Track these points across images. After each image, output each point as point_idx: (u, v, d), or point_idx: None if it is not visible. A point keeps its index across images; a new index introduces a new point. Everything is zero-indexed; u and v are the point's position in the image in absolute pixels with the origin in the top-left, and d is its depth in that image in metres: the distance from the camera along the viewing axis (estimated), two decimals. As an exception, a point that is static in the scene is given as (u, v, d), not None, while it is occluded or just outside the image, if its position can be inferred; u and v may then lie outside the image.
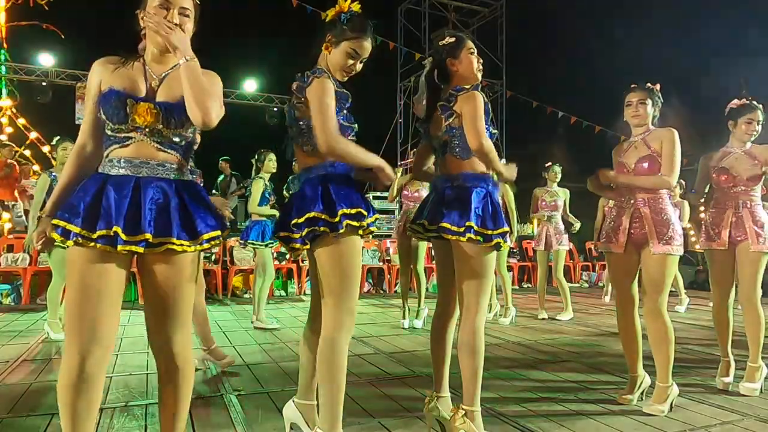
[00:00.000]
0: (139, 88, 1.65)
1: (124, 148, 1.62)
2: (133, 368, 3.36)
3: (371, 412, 2.57)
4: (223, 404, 2.70)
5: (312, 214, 1.84)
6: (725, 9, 11.56)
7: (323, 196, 1.86)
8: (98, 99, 1.63)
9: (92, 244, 1.52)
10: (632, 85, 2.78)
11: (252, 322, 4.95)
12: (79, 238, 1.52)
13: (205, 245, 1.64)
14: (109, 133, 1.63)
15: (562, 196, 5.71)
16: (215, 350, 3.21)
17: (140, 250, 1.54)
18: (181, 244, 1.58)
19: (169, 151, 1.65)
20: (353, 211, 1.86)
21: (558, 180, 5.77)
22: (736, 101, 3.12)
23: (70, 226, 1.52)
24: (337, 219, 1.83)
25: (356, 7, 1.96)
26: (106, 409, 2.57)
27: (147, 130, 1.62)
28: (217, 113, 1.59)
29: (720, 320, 3.13)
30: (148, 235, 1.53)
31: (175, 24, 1.63)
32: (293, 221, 1.87)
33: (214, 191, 9.54)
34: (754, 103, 3.08)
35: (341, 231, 1.84)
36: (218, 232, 1.66)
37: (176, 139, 1.66)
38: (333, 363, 1.84)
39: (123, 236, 1.51)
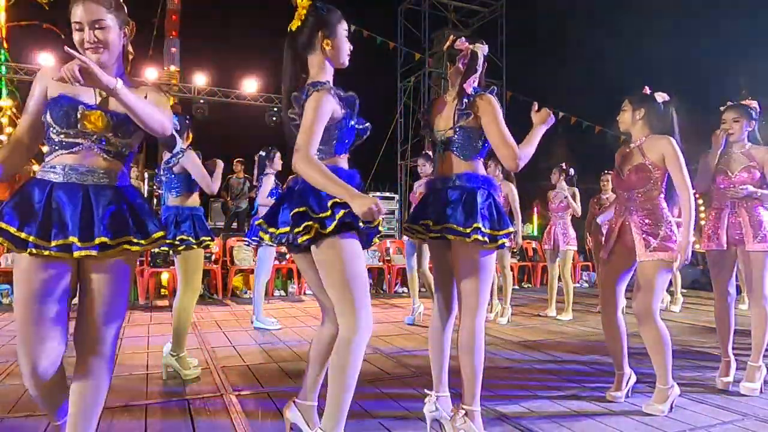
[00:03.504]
0: (90, 97, 1.70)
1: (71, 154, 1.67)
2: (133, 368, 3.36)
3: (371, 412, 2.57)
4: (223, 404, 2.70)
5: (303, 209, 1.80)
6: (726, 9, 11.56)
7: (315, 194, 1.83)
8: (47, 103, 1.68)
9: (47, 252, 1.58)
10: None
11: (252, 322, 4.95)
12: (34, 249, 1.57)
13: (155, 244, 1.75)
14: (55, 137, 1.67)
15: (568, 194, 5.74)
16: (183, 359, 3.14)
17: (94, 254, 1.61)
18: (138, 242, 1.68)
19: (113, 159, 1.72)
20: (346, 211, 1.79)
21: (560, 181, 5.80)
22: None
23: (23, 235, 1.56)
24: (328, 213, 1.79)
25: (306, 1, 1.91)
26: (106, 409, 2.57)
27: (95, 137, 1.68)
28: (168, 123, 1.73)
29: (720, 320, 3.14)
30: (105, 239, 1.62)
31: (94, 41, 1.66)
32: (331, 201, 1.81)
33: (222, 191, 9.55)
34: (732, 103, 3.10)
35: (330, 228, 1.79)
36: (163, 232, 1.77)
37: (122, 150, 1.74)
38: (348, 365, 1.81)
39: (78, 243, 1.59)
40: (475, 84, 2.25)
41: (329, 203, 1.79)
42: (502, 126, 2.14)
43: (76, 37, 1.69)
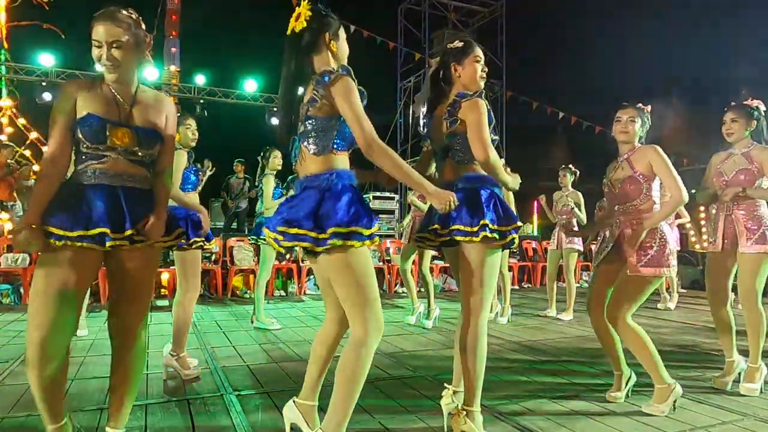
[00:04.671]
0: (114, 113, 1.87)
1: (100, 163, 1.85)
2: (133, 368, 3.35)
3: (371, 412, 2.57)
4: (223, 404, 2.70)
5: (302, 231, 1.79)
6: (726, 9, 11.56)
7: (316, 212, 1.81)
8: (77, 121, 1.83)
9: (79, 244, 1.74)
10: (624, 103, 2.79)
11: (252, 322, 4.95)
12: (58, 241, 1.73)
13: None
14: (85, 150, 1.85)
15: (573, 198, 5.76)
16: (183, 359, 3.14)
17: (126, 243, 1.82)
18: (162, 239, 1.93)
19: (138, 166, 1.92)
20: (344, 230, 1.77)
21: (567, 184, 5.81)
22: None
23: (65, 232, 1.73)
24: (326, 236, 1.77)
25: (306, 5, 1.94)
26: (106, 409, 2.57)
27: (122, 150, 1.86)
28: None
29: (719, 321, 3.13)
30: (131, 231, 1.81)
31: (111, 59, 1.83)
32: (282, 228, 1.82)
33: (222, 191, 9.54)
34: (734, 103, 3.10)
35: (326, 248, 1.78)
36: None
37: (146, 159, 1.93)
38: (357, 367, 1.82)
39: (111, 234, 1.77)
40: (464, 90, 2.27)
41: (328, 231, 1.76)
42: (480, 129, 2.14)
43: (94, 52, 1.84)
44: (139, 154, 1.89)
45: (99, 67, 1.89)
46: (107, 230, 1.75)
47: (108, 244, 1.76)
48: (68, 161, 1.88)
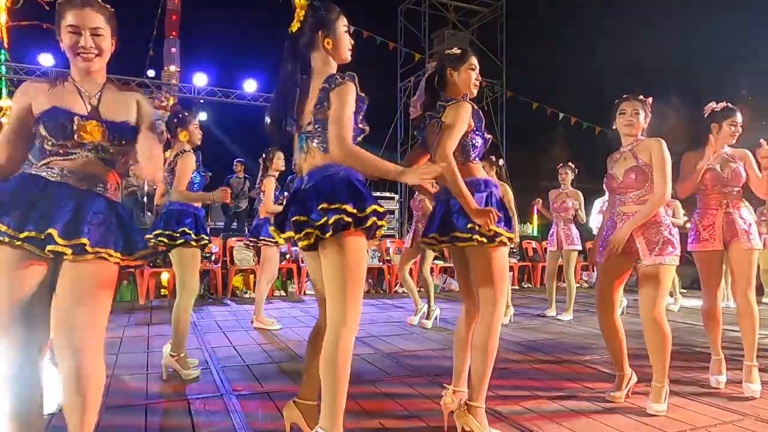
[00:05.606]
0: (81, 107, 1.72)
1: (67, 161, 1.68)
2: (133, 368, 3.36)
3: (371, 412, 2.57)
4: (223, 404, 2.70)
5: (343, 206, 1.81)
6: (724, 8, 11.56)
7: (350, 192, 1.86)
8: (38, 116, 1.68)
9: (18, 243, 1.54)
10: (624, 95, 2.80)
11: (252, 322, 4.95)
12: (6, 237, 1.54)
13: (137, 261, 1.74)
14: (49, 147, 1.68)
15: (573, 197, 5.74)
16: (182, 359, 3.16)
17: (68, 252, 1.56)
18: (116, 255, 1.66)
19: (109, 167, 1.75)
20: (381, 209, 1.88)
21: (567, 181, 5.80)
22: (713, 104, 3.14)
23: (13, 232, 1.54)
24: (365, 213, 1.83)
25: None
26: (106, 409, 2.57)
27: (91, 146, 1.70)
28: (159, 173, 1.85)
29: (711, 319, 3.13)
30: (85, 240, 1.58)
31: (91, 47, 1.70)
32: (321, 206, 1.82)
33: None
34: (730, 105, 3.11)
35: (367, 225, 1.84)
36: (148, 251, 1.79)
37: (118, 156, 1.77)
38: (337, 362, 1.83)
39: (58, 239, 1.55)
40: (456, 95, 2.32)
41: (369, 208, 1.83)
42: (451, 133, 2.18)
43: (68, 40, 1.70)
44: (111, 150, 1.72)
45: (76, 63, 1.73)
46: (55, 232, 1.54)
47: (49, 247, 1.54)
48: (14, 158, 1.74)
